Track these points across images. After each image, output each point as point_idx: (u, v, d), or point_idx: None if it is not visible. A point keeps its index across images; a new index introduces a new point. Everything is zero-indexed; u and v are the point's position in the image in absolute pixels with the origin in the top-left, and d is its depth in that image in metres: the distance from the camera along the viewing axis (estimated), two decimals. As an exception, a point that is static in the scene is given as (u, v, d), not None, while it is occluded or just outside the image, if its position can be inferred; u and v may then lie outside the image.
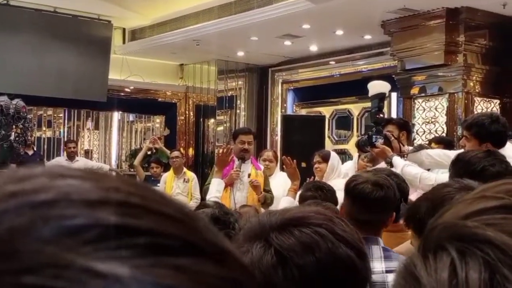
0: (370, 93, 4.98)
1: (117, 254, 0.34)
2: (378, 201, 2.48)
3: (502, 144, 3.79)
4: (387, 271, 2.32)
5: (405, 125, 5.84)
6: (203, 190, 5.84)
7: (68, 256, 0.33)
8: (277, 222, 1.05)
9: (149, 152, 9.91)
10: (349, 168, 5.72)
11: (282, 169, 6.36)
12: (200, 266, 0.36)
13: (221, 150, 5.42)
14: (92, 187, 0.37)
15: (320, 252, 1.01)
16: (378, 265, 2.33)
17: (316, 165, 5.82)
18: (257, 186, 5.49)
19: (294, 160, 5.41)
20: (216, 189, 5.01)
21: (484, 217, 0.58)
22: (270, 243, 1.02)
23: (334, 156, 5.86)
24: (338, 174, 5.56)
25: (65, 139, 12.12)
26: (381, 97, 4.89)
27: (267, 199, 5.47)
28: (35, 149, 9.84)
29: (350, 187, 2.57)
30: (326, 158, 5.78)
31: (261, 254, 1.01)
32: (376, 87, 4.99)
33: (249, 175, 5.56)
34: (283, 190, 5.45)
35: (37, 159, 9.39)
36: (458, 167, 3.12)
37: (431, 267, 0.55)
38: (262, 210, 5.38)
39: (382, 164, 4.72)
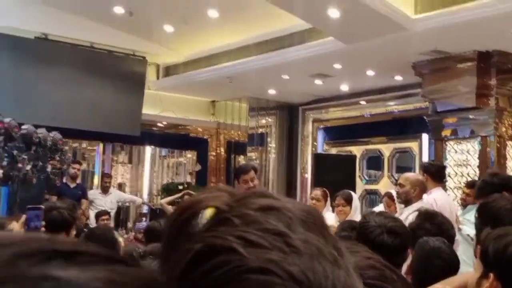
0: None
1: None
2: (395, 249, 2.56)
3: None
4: None
5: (427, 168, 5.92)
6: None
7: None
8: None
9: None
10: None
11: (333, 209, 6.29)
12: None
13: None
14: None
15: None
16: None
17: (340, 208, 5.92)
18: None
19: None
20: None
21: None
22: None
23: (355, 197, 6.09)
24: (359, 213, 5.66)
25: (99, 172, 12.31)
26: None
27: None
28: (78, 182, 9.83)
29: (368, 237, 2.59)
30: (349, 201, 5.90)
31: None
32: None
33: None
34: None
35: (79, 192, 9.44)
36: (484, 217, 3.08)
37: None
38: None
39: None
